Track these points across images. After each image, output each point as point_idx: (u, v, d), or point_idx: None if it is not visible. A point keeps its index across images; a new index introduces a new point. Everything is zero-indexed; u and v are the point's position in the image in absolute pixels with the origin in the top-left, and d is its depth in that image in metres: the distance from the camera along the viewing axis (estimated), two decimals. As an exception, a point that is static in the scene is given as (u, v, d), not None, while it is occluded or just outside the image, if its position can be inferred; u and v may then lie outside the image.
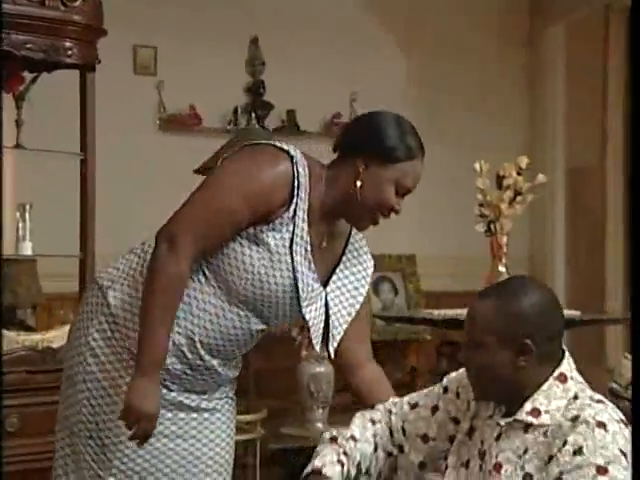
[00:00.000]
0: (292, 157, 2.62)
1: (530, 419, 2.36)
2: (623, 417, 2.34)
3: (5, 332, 4.17)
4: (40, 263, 4.67)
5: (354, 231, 2.84)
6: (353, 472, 2.67)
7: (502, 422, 2.41)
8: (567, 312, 4.94)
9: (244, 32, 7.24)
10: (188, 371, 2.68)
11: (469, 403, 2.59)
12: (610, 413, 2.32)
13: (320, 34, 7.36)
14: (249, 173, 2.58)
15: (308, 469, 2.61)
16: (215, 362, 2.70)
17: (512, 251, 4.76)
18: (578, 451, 2.24)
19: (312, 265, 2.67)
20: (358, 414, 2.76)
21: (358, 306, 2.81)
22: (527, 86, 8.16)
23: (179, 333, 2.63)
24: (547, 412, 2.35)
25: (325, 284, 2.75)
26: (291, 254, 2.61)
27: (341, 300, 2.79)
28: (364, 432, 2.71)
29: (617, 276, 7.47)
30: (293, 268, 2.62)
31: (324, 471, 2.61)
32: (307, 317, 2.70)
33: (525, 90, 8.15)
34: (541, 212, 7.58)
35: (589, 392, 2.41)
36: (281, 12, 7.23)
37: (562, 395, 2.37)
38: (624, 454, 2.25)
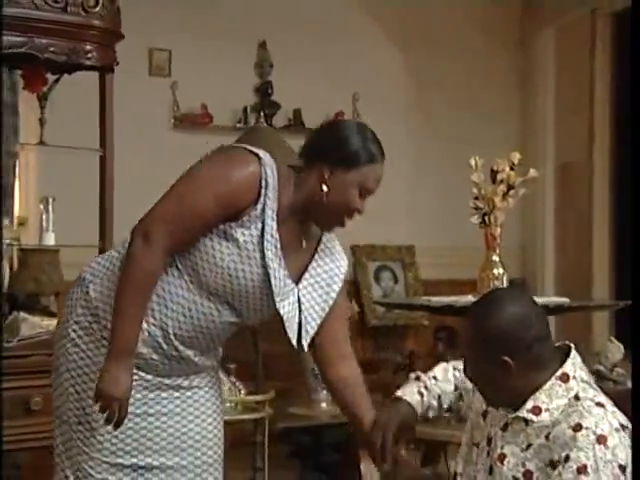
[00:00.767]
0: (260, 159, 2.62)
1: (531, 416, 2.36)
2: (622, 421, 2.33)
3: (29, 317, 4.19)
4: (62, 253, 4.67)
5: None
6: (435, 404, 2.71)
7: (507, 415, 2.43)
8: (556, 299, 4.96)
9: (253, 36, 7.24)
10: (165, 361, 2.68)
11: None
12: (610, 421, 2.30)
13: (324, 38, 7.35)
14: (220, 174, 2.60)
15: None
16: (190, 352, 2.70)
17: (505, 242, 4.75)
18: (583, 470, 2.23)
19: (282, 262, 2.65)
20: (441, 363, 2.81)
21: (331, 302, 2.78)
22: (519, 85, 8.15)
23: (154, 325, 2.63)
24: (547, 410, 2.35)
25: (297, 282, 2.74)
26: (262, 250, 2.61)
27: (313, 296, 2.76)
28: (445, 374, 2.75)
29: (603, 265, 7.46)
30: (264, 264, 2.61)
31: (404, 397, 2.66)
32: (281, 312, 2.68)
33: (517, 89, 8.14)
34: (532, 205, 7.57)
35: (591, 393, 2.38)
36: (287, 17, 7.23)
37: (563, 394, 2.36)
38: (623, 468, 2.25)
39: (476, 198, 4.66)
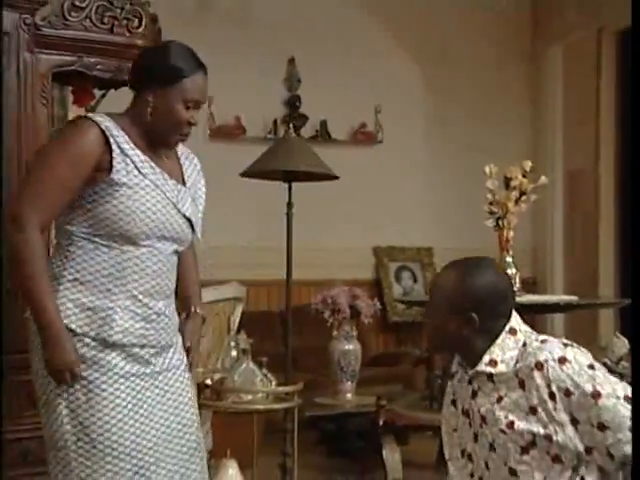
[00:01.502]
0: (97, 122, 2.61)
1: (489, 369, 2.42)
2: (565, 341, 2.42)
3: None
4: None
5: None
6: None
7: (468, 375, 2.48)
8: (565, 297, 4.96)
9: (282, 53, 7.28)
10: (147, 325, 2.67)
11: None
12: (559, 346, 2.37)
13: (347, 55, 7.38)
14: (63, 143, 2.63)
15: None
16: (160, 304, 2.70)
17: (517, 243, 4.75)
18: (567, 392, 2.30)
19: (165, 175, 2.70)
20: None
21: (204, 197, 2.85)
22: (530, 98, 8.14)
23: (123, 298, 2.63)
24: (503, 362, 2.41)
25: (184, 184, 2.79)
26: (145, 175, 2.64)
27: (195, 190, 2.83)
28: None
29: (609, 265, 7.45)
30: (156, 185, 2.65)
31: None
32: (187, 214, 2.72)
33: (528, 102, 8.14)
34: (542, 209, 7.56)
35: (534, 336, 2.46)
36: (314, 36, 7.26)
37: (514, 346, 2.42)
38: (592, 366, 2.33)
39: (490, 203, 4.66)
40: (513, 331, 2.44)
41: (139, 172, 2.64)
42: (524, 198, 4.62)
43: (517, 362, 2.39)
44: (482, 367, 2.43)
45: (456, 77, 7.77)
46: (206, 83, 2.73)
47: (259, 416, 3.91)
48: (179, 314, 2.87)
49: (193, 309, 2.91)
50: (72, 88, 4.11)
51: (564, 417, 2.31)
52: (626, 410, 2.27)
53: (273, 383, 3.39)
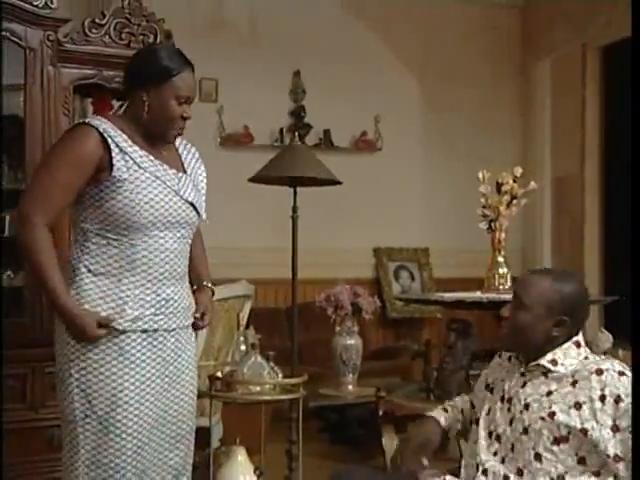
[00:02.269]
0: (95, 126, 2.63)
1: (549, 365, 2.45)
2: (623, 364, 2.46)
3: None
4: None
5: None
6: (460, 417, 2.75)
7: (526, 368, 2.51)
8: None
9: (288, 66, 7.28)
10: (157, 312, 2.69)
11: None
12: (620, 363, 2.42)
13: (350, 67, 7.37)
14: (64, 147, 2.65)
15: None
16: (169, 290, 2.72)
17: (508, 244, 4.74)
18: (618, 399, 2.33)
19: (165, 166, 2.72)
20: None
21: (205, 182, 2.87)
22: (520, 109, 8.13)
23: (133, 288, 2.65)
24: (562, 364, 2.45)
25: (185, 172, 2.82)
26: (145, 168, 2.65)
27: (196, 176, 2.85)
28: (460, 399, 2.83)
29: (594, 264, 7.44)
30: (157, 176, 2.67)
31: (431, 414, 2.72)
32: (190, 199, 2.74)
33: (519, 112, 8.13)
34: (532, 212, 7.55)
35: (595, 356, 2.51)
36: (318, 50, 7.25)
37: (575, 356, 2.47)
38: None
39: (483, 207, 4.65)
40: (578, 344, 2.50)
41: (139, 167, 2.66)
42: (515, 202, 4.62)
43: (577, 367, 2.44)
44: (543, 362, 2.47)
45: (451, 89, 7.76)
46: (194, 79, 2.77)
47: (266, 406, 3.90)
48: (192, 289, 2.90)
49: (204, 283, 2.97)
50: (92, 99, 4.12)
51: (608, 421, 2.33)
52: None
53: (280, 375, 3.38)
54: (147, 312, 2.68)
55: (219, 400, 3.61)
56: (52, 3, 3.63)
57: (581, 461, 2.35)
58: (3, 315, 3.51)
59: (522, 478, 2.40)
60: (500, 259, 4.64)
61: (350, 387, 5.59)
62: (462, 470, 2.61)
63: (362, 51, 7.47)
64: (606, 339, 4.85)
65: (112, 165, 2.62)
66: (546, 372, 2.47)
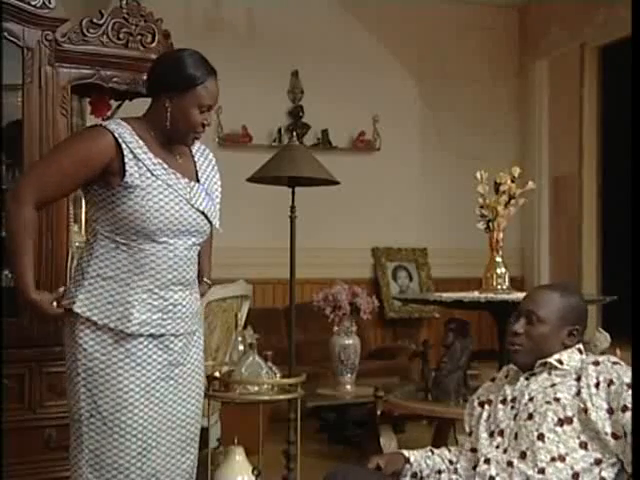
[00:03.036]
0: (111, 130, 2.63)
1: (555, 363, 2.60)
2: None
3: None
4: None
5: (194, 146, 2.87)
6: (434, 461, 2.75)
7: (532, 370, 2.63)
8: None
9: (286, 67, 7.28)
10: (164, 316, 2.68)
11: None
12: (617, 359, 2.56)
13: (348, 68, 7.38)
14: (75, 144, 2.67)
15: None
16: (176, 296, 2.71)
17: (506, 244, 4.74)
18: (610, 382, 2.47)
19: (178, 174, 2.71)
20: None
21: (220, 190, 2.86)
22: (518, 109, 8.14)
23: (141, 292, 2.65)
24: (567, 364, 2.60)
25: (197, 180, 2.80)
26: (157, 176, 2.65)
27: (211, 184, 2.84)
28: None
29: (591, 264, 7.45)
30: (168, 184, 2.66)
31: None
32: (202, 208, 2.73)
33: (516, 112, 8.14)
34: (530, 212, 7.57)
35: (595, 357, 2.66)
36: (316, 51, 7.27)
37: (578, 360, 2.62)
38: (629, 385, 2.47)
39: (481, 207, 4.64)
40: (580, 351, 2.65)
41: (151, 174, 2.65)
42: (513, 202, 4.60)
43: (579, 368, 2.58)
44: (551, 359, 2.60)
45: (449, 89, 7.77)
46: (217, 87, 2.75)
47: (264, 406, 3.89)
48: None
49: (204, 278, 2.98)
50: (90, 99, 4.10)
51: (603, 404, 2.45)
52: None
53: (278, 375, 3.37)
54: (154, 316, 2.67)
55: (217, 400, 3.60)
56: (50, 3, 3.61)
57: (582, 445, 2.46)
58: (3, 315, 3.50)
59: (525, 460, 2.49)
60: (498, 259, 4.63)
61: (348, 387, 5.59)
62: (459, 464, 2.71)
63: (360, 51, 7.48)
64: (604, 339, 4.83)
65: (125, 171, 2.62)
66: (550, 370, 2.60)
